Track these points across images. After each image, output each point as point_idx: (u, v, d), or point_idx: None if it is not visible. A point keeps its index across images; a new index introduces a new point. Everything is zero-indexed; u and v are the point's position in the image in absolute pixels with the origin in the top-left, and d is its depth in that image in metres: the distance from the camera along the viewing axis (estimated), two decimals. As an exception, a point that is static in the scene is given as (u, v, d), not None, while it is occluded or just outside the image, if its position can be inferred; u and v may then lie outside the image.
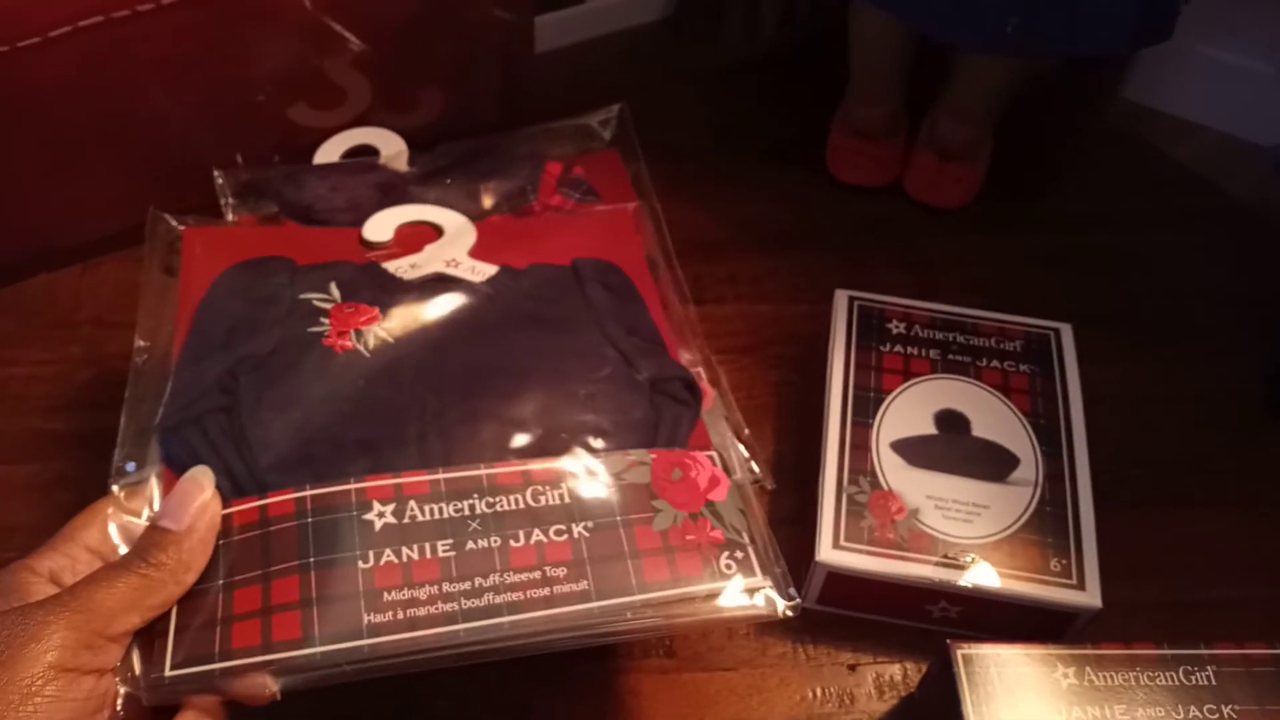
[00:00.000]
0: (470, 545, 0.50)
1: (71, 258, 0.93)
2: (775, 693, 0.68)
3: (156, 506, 0.51)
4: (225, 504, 0.50)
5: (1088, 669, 0.59)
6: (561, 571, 0.50)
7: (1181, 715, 0.59)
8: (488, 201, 0.81)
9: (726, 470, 0.57)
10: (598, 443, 0.56)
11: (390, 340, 0.59)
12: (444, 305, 0.62)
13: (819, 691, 0.68)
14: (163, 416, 0.55)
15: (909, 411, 0.73)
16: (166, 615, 0.46)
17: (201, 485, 0.49)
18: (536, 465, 0.54)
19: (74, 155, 0.86)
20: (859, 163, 1.06)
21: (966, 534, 0.68)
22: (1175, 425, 0.85)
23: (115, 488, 0.52)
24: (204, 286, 0.62)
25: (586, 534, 0.52)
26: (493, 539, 0.51)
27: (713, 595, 0.51)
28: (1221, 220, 1.08)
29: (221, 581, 0.48)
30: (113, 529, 0.49)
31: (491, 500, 0.52)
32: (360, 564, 0.49)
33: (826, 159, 1.07)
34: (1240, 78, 1.16)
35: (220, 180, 0.79)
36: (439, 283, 0.64)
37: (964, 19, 0.88)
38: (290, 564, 0.48)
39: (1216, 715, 0.59)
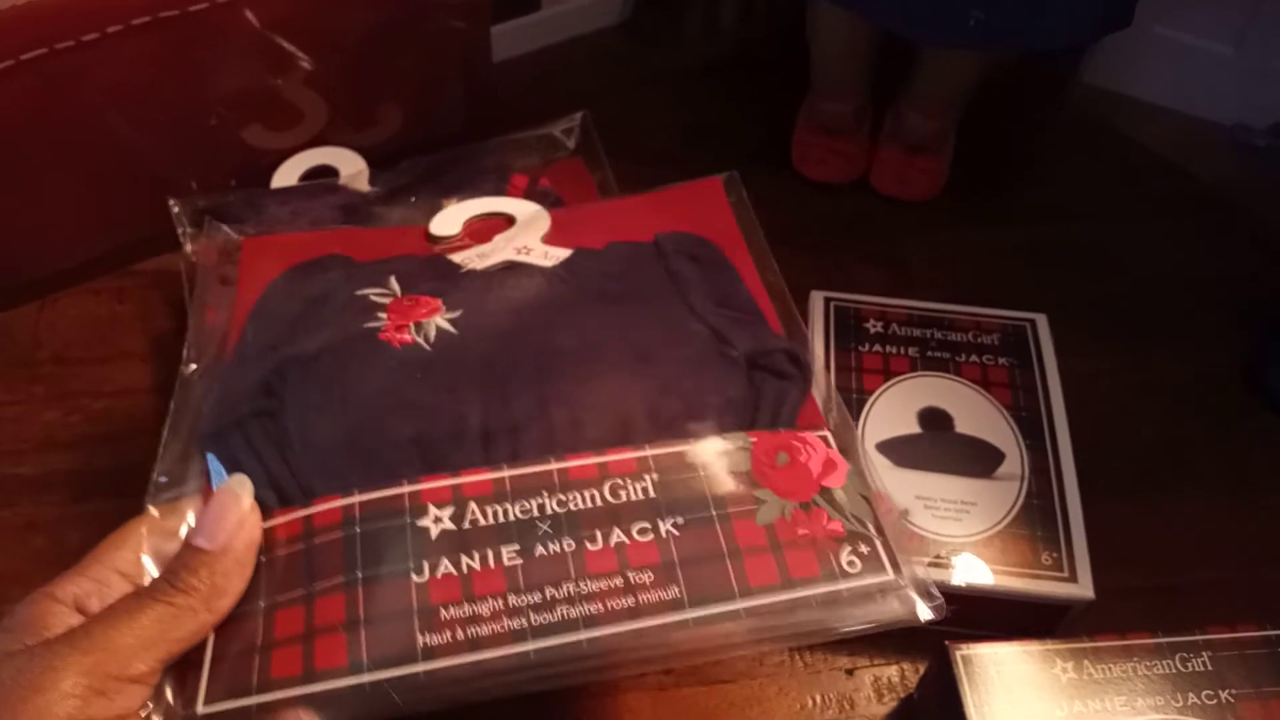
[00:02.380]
0: (540, 550, 0.44)
1: (26, 294, 0.90)
2: (775, 702, 0.67)
3: (191, 516, 0.46)
4: (268, 515, 0.45)
5: (1085, 663, 0.59)
6: (648, 576, 0.44)
7: (1181, 703, 0.59)
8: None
9: (844, 453, 0.50)
10: (687, 427, 0.50)
11: (453, 331, 0.54)
12: (512, 291, 0.57)
13: (818, 698, 0.68)
14: (204, 425, 0.50)
15: (892, 411, 0.73)
16: (203, 643, 0.42)
17: (239, 497, 0.44)
18: (615, 456, 0.48)
19: (25, 189, 0.84)
20: (825, 159, 1.05)
21: (957, 532, 0.67)
22: (1154, 412, 0.85)
23: (151, 506, 0.47)
24: (258, 293, 0.58)
25: (676, 532, 0.45)
26: (565, 542, 0.45)
27: (833, 599, 0.45)
28: (1189, 203, 1.08)
29: (261, 603, 0.43)
30: (147, 554, 0.44)
31: (564, 498, 0.46)
32: (414, 577, 0.43)
33: (792, 157, 1.07)
34: (1198, 58, 1.17)
35: (176, 209, 0.78)
36: (507, 269, 0.59)
37: (926, 14, 0.88)
38: (336, 580, 0.43)
39: (1215, 701, 0.59)
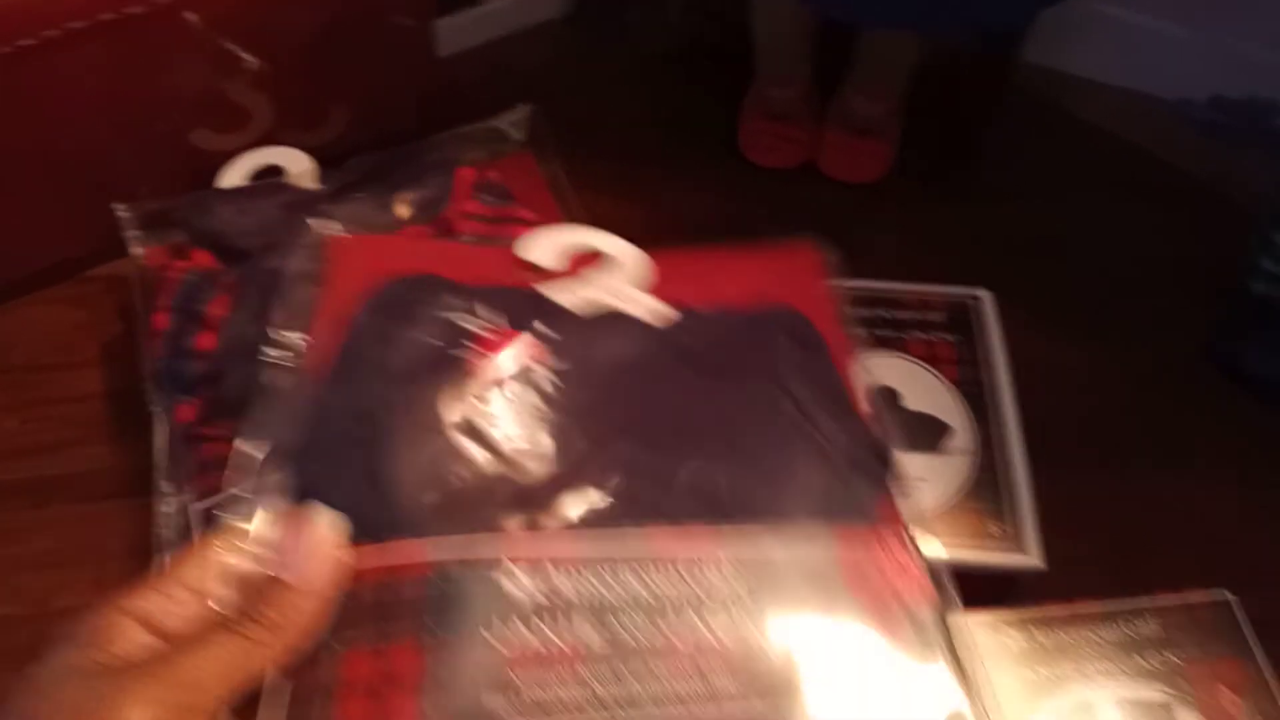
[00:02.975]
0: (619, 633, 0.42)
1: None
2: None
3: (270, 537, 0.44)
4: (350, 550, 0.43)
5: (1034, 631, 0.60)
6: (730, 685, 0.42)
7: (1130, 668, 0.60)
8: (402, 213, 0.80)
9: (929, 570, 0.48)
10: (772, 514, 0.48)
11: (551, 378, 0.53)
12: (609, 343, 0.56)
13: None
14: (294, 445, 0.48)
15: (840, 390, 0.73)
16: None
17: (328, 534, 0.42)
18: (700, 537, 0.45)
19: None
20: (773, 145, 1.06)
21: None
22: (1105, 386, 0.87)
23: (227, 521, 0.44)
24: (348, 300, 0.56)
25: (755, 627, 0.43)
26: (646, 627, 0.42)
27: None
28: (1135, 178, 1.10)
29: (330, 643, 0.41)
30: (220, 572, 0.42)
31: (646, 577, 0.44)
32: (491, 643, 0.41)
33: (740, 144, 1.08)
34: (1141, 34, 1.18)
35: (124, 214, 0.78)
36: (605, 316, 0.58)
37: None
38: (411, 632, 0.41)
39: (1164, 665, 0.60)
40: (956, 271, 0.83)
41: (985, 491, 0.69)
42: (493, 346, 0.53)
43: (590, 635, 0.42)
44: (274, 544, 0.42)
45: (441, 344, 0.53)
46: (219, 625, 0.38)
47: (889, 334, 0.77)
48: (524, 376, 0.52)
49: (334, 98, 0.96)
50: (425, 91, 1.01)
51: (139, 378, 0.72)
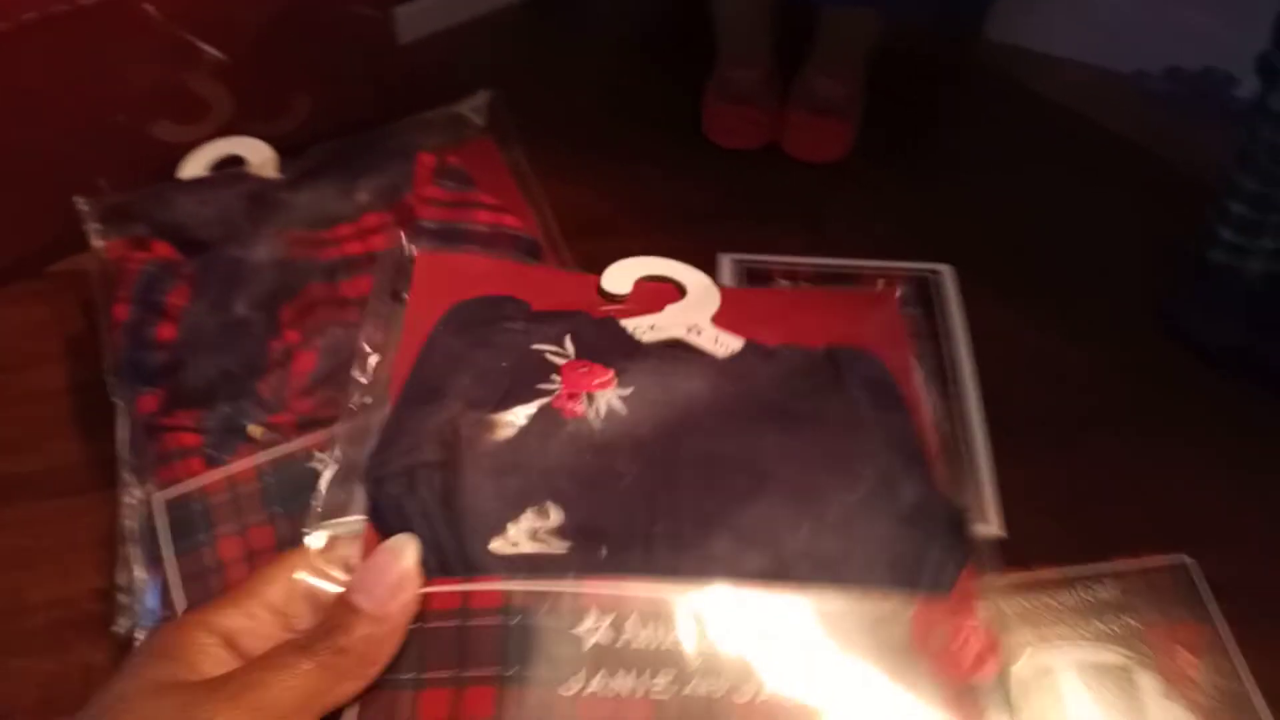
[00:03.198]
0: (690, 689, 0.42)
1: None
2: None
3: (348, 558, 0.44)
4: (426, 580, 0.43)
5: (994, 598, 0.60)
6: None
7: (1089, 632, 0.61)
8: (363, 199, 0.81)
9: (995, 641, 0.47)
10: (847, 578, 0.46)
11: (624, 413, 0.52)
12: (684, 380, 0.55)
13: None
14: (370, 464, 0.48)
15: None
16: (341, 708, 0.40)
17: (403, 558, 0.42)
18: (775, 593, 0.45)
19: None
20: (736, 127, 1.06)
21: (868, 481, 0.68)
22: (1066, 356, 0.87)
23: (308, 540, 0.45)
24: (431, 318, 0.56)
25: (826, 697, 0.42)
26: (716, 684, 0.42)
27: None
28: (1095, 151, 1.11)
29: (408, 676, 0.41)
30: (300, 591, 0.42)
31: (719, 631, 0.43)
32: (564, 690, 0.41)
33: (704, 126, 1.08)
34: (1097, 9, 1.19)
35: (84, 207, 0.77)
36: (679, 352, 0.57)
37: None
38: (488, 671, 0.41)
39: (1123, 629, 0.61)
40: (919, 248, 0.84)
41: (945, 461, 0.69)
42: (566, 375, 0.53)
43: (660, 685, 0.41)
44: (357, 573, 0.42)
45: (515, 370, 0.53)
46: (300, 651, 0.38)
47: (849, 310, 0.77)
48: (596, 407, 0.52)
49: (294, 87, 0.96)
50: (386, 79, 1.01)
51: (102, 371, 0.72)
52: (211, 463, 0.66)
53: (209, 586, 0.62)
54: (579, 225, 0.88)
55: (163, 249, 0.75)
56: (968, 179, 1.06)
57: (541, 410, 0.51)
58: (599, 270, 0.85)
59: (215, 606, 0.40)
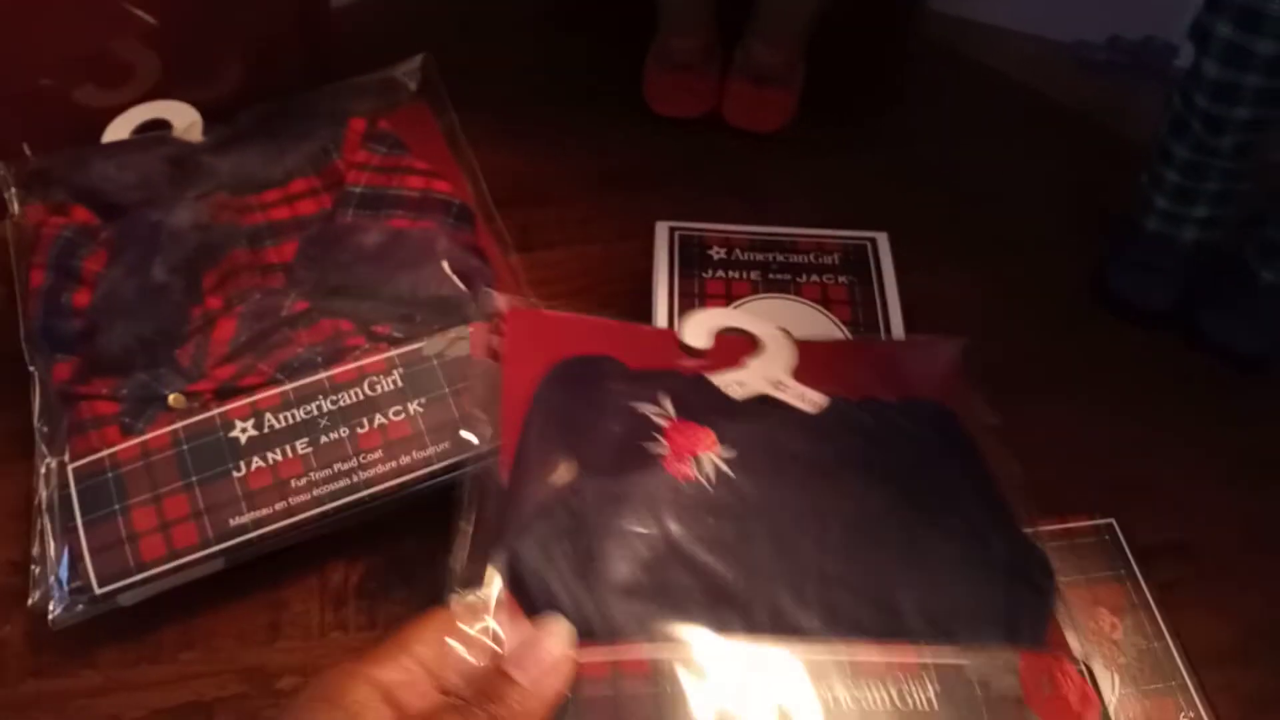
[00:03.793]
0: None
1: None
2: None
3: (492, 625, 0.45)
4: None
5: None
6: None
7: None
8: (291, 163, 0.79)
9: (1094, 683, 0.49)
10: (955, 632, 0.48)
11: (730, 474, 0.54)
12: (779, 437, 0.57)
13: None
14: (505, 532, 0.50)
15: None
16: None
17: (560, 641, 0.44)
18: (901, 653, 0.47)
19: None
20: (676, 95, 1.06)
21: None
22: (1002, 321, 0.88)
23: (453, 601, 0.47)
24: (526, 375, 0.58)
25: None
26: None
27: None
28: (1037, 120, 1.11)
29: None
30: (455, 659, 0.43)
31: (857, 690, 0.45)
32: None
33: (644, 94, 1.07)
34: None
35: (3, 172, 0.76)
36: (770, 409, 0.59)
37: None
38: None
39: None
40: (859, 216, 0.83)
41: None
42: (672, 439, 0.55)
43: None
44: (516, 650, 0.44)
45: (627, 435, 0.55)
46: (459, 714, 0.40)
47: (783, 278, 0.77)
48: (705, 472, 0.54)
49: (223, 51, 0.94)
50: (318, 43, 0.99)
51: (20, 339, 0.70)
52: (128, 431, 0.64)
53: (122, 558, 0.61)
54: (515, 193, 0.87)
55: (81, 214, 0.73)
56: (908, 148, 1.06)
57: (657, 475, 0.53)
58: (530, 240, 0.85)
59: (373, 659, 0.41)
